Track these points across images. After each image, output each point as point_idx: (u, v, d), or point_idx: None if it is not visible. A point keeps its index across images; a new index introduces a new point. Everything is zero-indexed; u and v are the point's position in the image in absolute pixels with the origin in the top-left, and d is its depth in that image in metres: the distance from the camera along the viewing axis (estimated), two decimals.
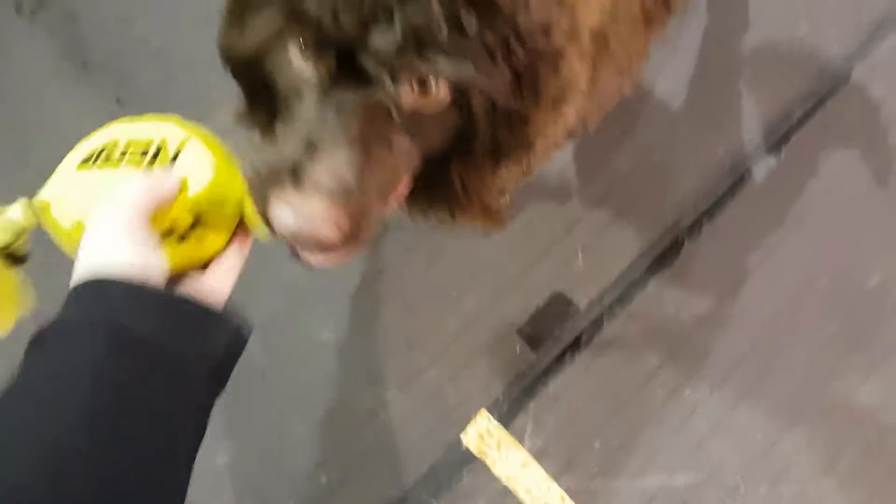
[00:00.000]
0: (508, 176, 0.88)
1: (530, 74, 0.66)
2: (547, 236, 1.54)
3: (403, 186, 0.73)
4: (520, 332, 1.49)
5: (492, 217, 0.86)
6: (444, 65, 0.60)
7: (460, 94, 0.64)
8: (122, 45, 1.54)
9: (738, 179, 1.60)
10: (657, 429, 1.46)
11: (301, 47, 0.63)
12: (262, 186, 0.64)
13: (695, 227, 1.57)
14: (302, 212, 0.61)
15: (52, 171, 0.71)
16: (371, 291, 1.49)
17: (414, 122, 0.65)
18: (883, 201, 1.60)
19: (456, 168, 0.75)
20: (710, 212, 1.58)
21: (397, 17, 0.57)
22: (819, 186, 1.61)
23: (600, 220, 1.56)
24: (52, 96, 1.50)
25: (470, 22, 0.59)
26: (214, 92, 0.84)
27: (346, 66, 0.61)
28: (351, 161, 0.62)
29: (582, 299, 1.51)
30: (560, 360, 1.47)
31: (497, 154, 0.75)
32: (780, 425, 1.47)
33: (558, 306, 1.51)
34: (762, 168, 1.61)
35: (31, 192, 0.71)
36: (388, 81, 0.61)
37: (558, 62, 0.68)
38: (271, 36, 0.65)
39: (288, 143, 0.64)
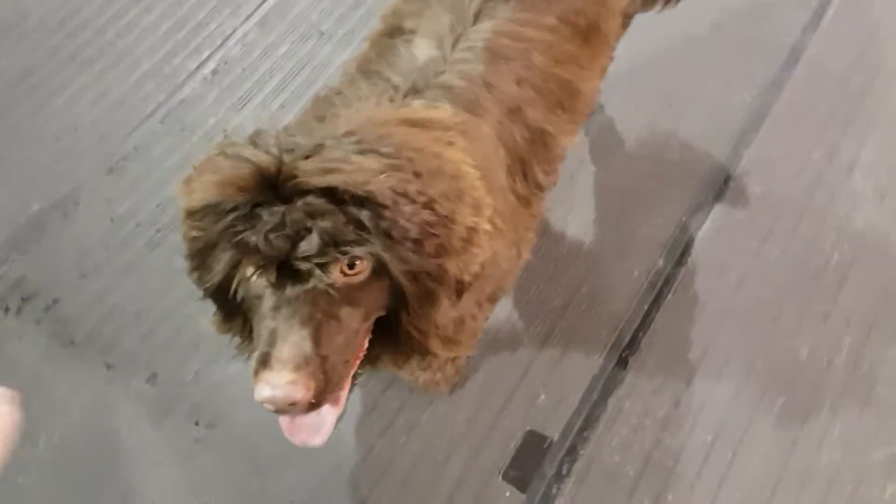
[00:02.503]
0: (460, 311, 1.08)
1: (426, 236, 0.89)
2: (508, 383, 1.70)
3: (363, 343, 0.95)
4: (505, 476, 1.61)
5: (454, 344, 1.08)
6: (356, 250, 0.85)
7: (379, 263, 0.88)
8: (102, 317, 1.75)
9: (658, 293, 1.80)
10: None
11: (254, 268, 0.87)
12: (253, 386, 0.86)
13: (633, 343, 1.75)
14: (273, 383, 0.83)
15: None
16: (364, 475, 1.62)
17: (351, 292, 0.88)
18: (790, 281, 1.81)
19: (406, 320, 0.97)
20: (643, 326, 1.77)
21: (315, 230, 0.83)
22: (731, 281, 1.82)
23: (551, 356, 1.73)
24: (48, 378, 1.68)
25: (366, 219, 0.84)
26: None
27: (287, 271, 0.86)
28: (304, 336, 0.85)
29: (554, 432, 1.65)
30: (547, 495, 1.59)
31: (434, 298, 0.96)
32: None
33: (534, 443, 1.64)
34: (676, 278, 1.82)
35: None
36: (318, 273, 0.85)
37: (449, 224, 0.92)
38: (231, 266, 0.90)
39: (259, 340, 0.88)
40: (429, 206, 0.89)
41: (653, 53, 2.11)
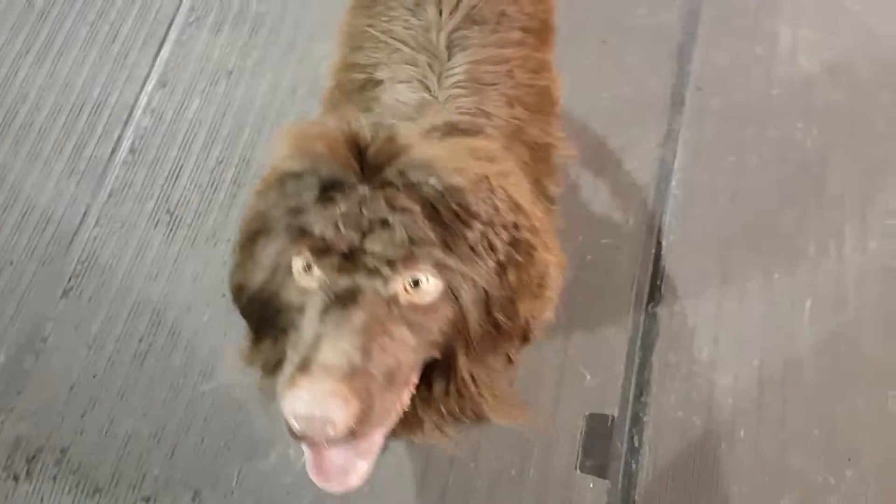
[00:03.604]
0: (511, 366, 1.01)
1: (511, 263, 0.81)
2: (551, 375, 1.67)
3: (412, 378, 0.83)
4: (582, 468, 1.59)
5: (509, 408, 0.98)
6: (436, 256, 0.75)
7: (450, 288, 0.78)
8: (119, 451, 1.61)
9: (658, 234, 1.79)
10: (736, 477, 1.58)
11: (305, 265, 0.76)
12: (282, 396, 0.72)
13: (654, 293, 1.73)
14: (312, 392, 0.69)
15: None
16: (433, 486, 1.58)
17: (413, 314, 0.77)
18: (777, 183, 1.83)
19: (464, 364, 0.85)
20: (657, 273, 1.75)
21: (395, 224, 0.73)
22: (723, 200, 1.83)
23: (582, 335, 1.70)
24: None
25: (456, 224, 0.75)
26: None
27: (344, 270, 0.75)
28: (354, 343, 0.72)
29: (612, 408, 1.64)
30: (629, 472, 1.58)
31: (498, 342, 0.87)
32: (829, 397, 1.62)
33: (598, 426, 1.62)
34: (671, 214, 1.80)
35: None
36: (384, 278, 0.74)
37: (532, 252, 0.84)
38: (277, 264, 0.79)
39: (298, 346, 0.75)
40: (517, 230, 0.82)
41: None
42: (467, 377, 0.87)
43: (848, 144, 1.87)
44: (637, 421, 1.63)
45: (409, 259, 0.74)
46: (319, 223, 0.73)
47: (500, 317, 0.83)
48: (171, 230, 1.83)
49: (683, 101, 1.93)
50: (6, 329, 1.73)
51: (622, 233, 1.79)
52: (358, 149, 0.75)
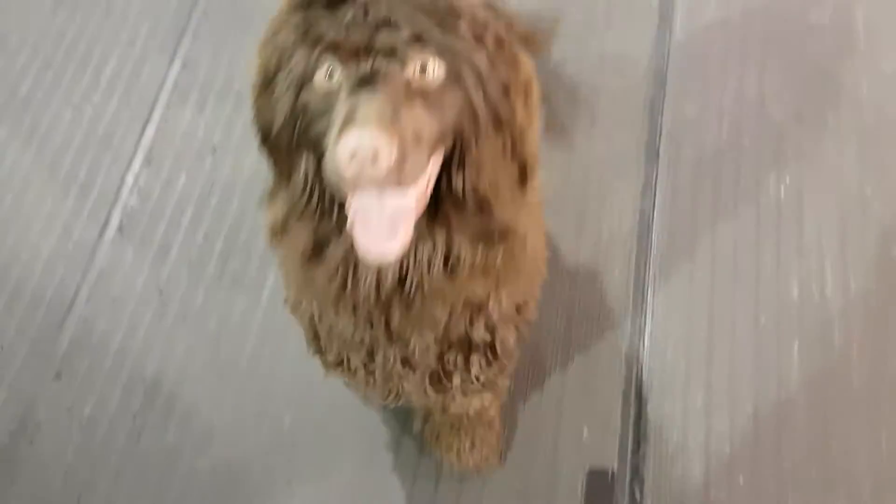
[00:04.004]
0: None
1: (500, 59, 0.91)
2: (548, 430, 1.68)
3: (434, 158, 0.89)
4: None
5: (520, 207, 0.99)
6: (438, 40, 0.86)
7: (453, 69, 0.88)
8: None
9: (643, 287, 1.82)
10: None
11: (327, 71, 0.87)
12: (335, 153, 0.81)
13: (643, 342, 1.76)
14: (358, 133, 0.79)
15: None
16: None
17: (425, 96, 0.87)
18: (754, 229, 1.87)
19: (474, 152, 0.91)
20: (645, 325, 1.78)
21: (398, 20, 0.85)
22: (703, 246, 1.87)
23: (576, 389, 1.72)
24: None
25: (446, 17, 0.87)
26: None
27: (363, 59, 0.85)
28: (385, 105, 0.83)
29: (611, 462, 1.64)
30: None
31: (500, 139, 0.92)
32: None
33: (598, 481, 1.63)
34: (655, 264, 1.84)
35: None
36: (399, 61, 0.85)
37: (516, 61, 0.94)
38: (301, 83, 0.89)
39: (335, 123, 0.84)
40: (502, 33, 0.91)
41: None
42: (479, 162, 0.92)
43: (818, 191, 1.92)
44: (637, 473, 1.63)
45: (416, 44, 0.85)
46: (333, 28, 0.85)
47: (499, 106, 0.91)
48: (161, 306, 1.84)
49: (658, 154, 1.98)
50: (1, 413, 1.71)
51: (608, 284, 1.82)
52: None
